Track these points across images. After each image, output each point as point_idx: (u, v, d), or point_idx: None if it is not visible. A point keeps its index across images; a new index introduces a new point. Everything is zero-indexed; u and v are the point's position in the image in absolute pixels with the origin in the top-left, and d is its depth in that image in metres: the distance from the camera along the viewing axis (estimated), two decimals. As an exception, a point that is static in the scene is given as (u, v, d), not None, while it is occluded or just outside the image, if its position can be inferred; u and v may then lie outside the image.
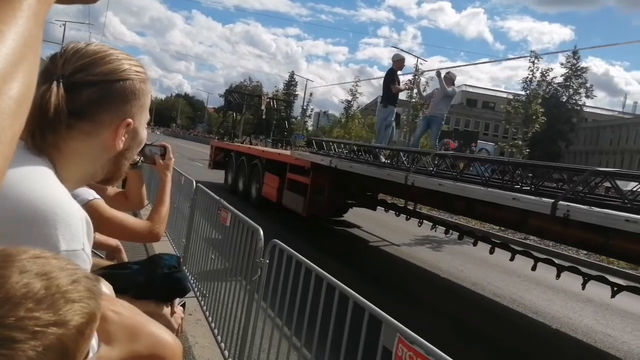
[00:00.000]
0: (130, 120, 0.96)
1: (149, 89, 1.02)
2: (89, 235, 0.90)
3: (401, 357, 1.75)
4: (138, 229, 1.81)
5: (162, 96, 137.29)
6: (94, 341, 0.63)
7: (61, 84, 0.87)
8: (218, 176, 15.96)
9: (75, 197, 1.71)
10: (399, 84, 10.22)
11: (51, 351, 0.51)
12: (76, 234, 0.83)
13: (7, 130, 0.47)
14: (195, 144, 54.22)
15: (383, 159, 8.12)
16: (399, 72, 10.42)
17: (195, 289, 4.78)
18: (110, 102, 0.93)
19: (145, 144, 2.22)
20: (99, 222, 1.77)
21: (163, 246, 6.61)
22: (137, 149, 1.06)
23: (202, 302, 4.45)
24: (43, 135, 0.88)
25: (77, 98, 0.89)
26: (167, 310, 1.53)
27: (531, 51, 30.16)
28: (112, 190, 2.09)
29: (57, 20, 46.56)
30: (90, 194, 1.76)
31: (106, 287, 1.16)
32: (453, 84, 10.30)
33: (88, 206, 1.72)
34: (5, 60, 0.49)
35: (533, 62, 29.89)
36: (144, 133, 1.06)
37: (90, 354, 0.62)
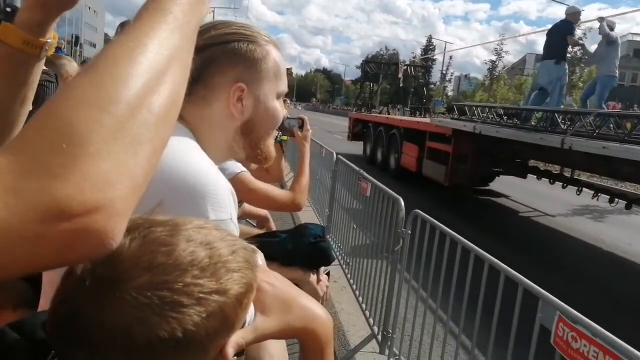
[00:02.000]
0: (242, 84, 0.95)
1: (266, 55, 0.98)
2: (235, 205, 0.93)
3: (562, 337, 1.59)
4: (281, 199, 1.90)
5: (302, 72, 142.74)
6: (250, 310, 0.64)
7: None
8: (357, 148, 16.15)
9: (224, 170, 1.83)
10: None
11: (213, 318, 0.53)
12: (223, 205, 0.86)
13: (145, 145, 0.46)
14: (334, 117, 55.47)
15: (533, 123, 7.42)
16: None
17: (339, 258, 4.93)
18: (217, 65, 0.94)
19: (285, 117, 2.29)
20: (246, 192, 1.88)
21: (308, 216, 6.92)
22: (265, 125, 1.02)
23: (346, 270, 4.56)
24: None
25: (192, 63, 0.94)
26: (313, 277, 1.57)
27: None
28: (254, 164, 2.20)
29: (207, 7, 50.97)
30: (238, 167, 1.87)
31: (260, 257, 1.21)
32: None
33: (236, 178, 1.83)
34: (147, 73, 0.48)
35: None
36: (273, 108, 1.02)
37: (247, 323, 0.63)
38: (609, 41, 8.81)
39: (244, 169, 1.90)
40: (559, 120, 6.58)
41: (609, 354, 1.42)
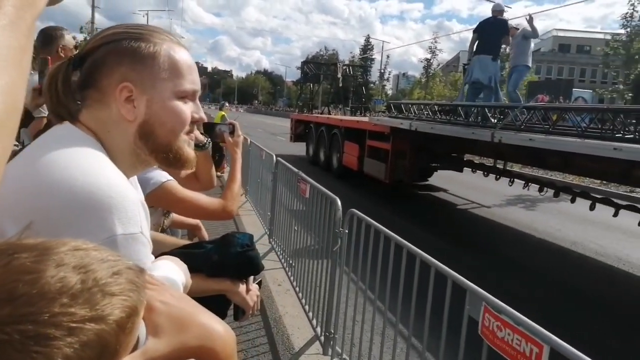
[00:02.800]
0: (128, 84, 0.90)
1: (165, 55, 0.94)
2: (146, 218, 0.89)
3: (488, 327, 1.65)
4: (211, 207, 1.84)
5: (243, 74, 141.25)
6: (142, 333, 0.60)
7: (72, 61, 0.92)
8: (300, 149, 16.17)
9: (148, 179, 1.77)
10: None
11: (89, 347, 0.49)
12: (132, 217, 0.81)
13: None
14: (277, 118, 55.33)
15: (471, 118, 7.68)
16: None
17: (283, 260, 4.91)
18: (103, 66, 0.91)
19: (214, 123, 2.24)
20: (174, 202, 1.82)
21: (250, 220, 6.85)
22: (168, 124, 0.97)
23: (290, 273, 4.55)
24: (66, 108, 0.92)
25: (83, 68, 0.92)
26: (242, 287, 1.54)
27: (631, -17, 26.90)
28: (183, 172, 2.13)
29: (140, 10, 49.38)
30: (164, 175, 1.80)
31: (180, 267, 1.17)
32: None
33: (162, 188, 1.77)
34: None
35: (634, -5, 26.84)
36: (172, 104, 0.96)
37: (139, 347, 0.60)
38: (525, 35, 9.28)
39: (170, 177, 1.83)
40: (489, 115, 6.84)
41: (531, 340, 1.49)
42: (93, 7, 29.72)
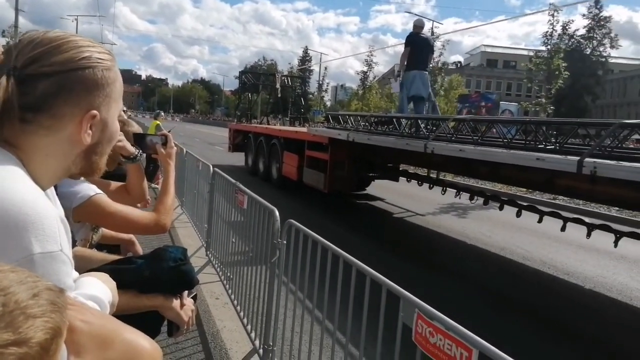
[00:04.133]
0: (95, 112, 0.89)
1: (115, 77, 0.94)
2: (67, 235, 0.85)
3: (421, 333, 1.69)
4: (143, 221, 1.77)
5: (179, 83, 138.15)
6: (63, 355, 0.58)
7: (12, 76, 0.82)
8: (239, 159, 16.00)
9: (75, 193, 1.69)
10: None
11: None
12: (51, 235, 0.78)
13: None
14: (215, 128, 54.51)
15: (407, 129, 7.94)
16: None
17: (220, 274, 4.81)
18: (69, 94, 0.86)
19: (145, 134, 2.18)
20: (103, 217, 1.75)
21: (186, 232, 6.68)
22: (109, 144, 0.99)
23: (228, 286, 4.47)
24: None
25: (32, 91, 0.83)
26: (176, 303, 1.50)
27: (550, 4, 28.86)
28: (114, 184, 2.06)
29: (69, 15, 47.32)
30: (92, 189, 1.72)
31: (108, 284, 1.13)
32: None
33: (90, 202, 1.69)
34: None
35: (553, 15, 28.84)
36: (115, 125, 0.99)
37: None
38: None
39: (98, 191, 1.75)
40: (422, 126, 7.09)
41: (461, 345, 1.54)
42: (17, 10, 28.12)
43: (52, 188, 0.94)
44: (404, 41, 9.71)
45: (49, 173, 0.90)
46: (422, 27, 9.76)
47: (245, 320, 3.74)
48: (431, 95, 9.65)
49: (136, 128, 2.27)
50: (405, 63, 9.47)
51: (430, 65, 10.88)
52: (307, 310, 2.81)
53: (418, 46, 9.48)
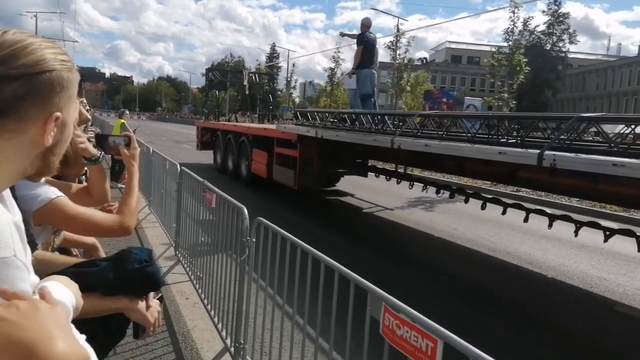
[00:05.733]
0: (59, 113, 0.88)
1: (75, 78, 0.94)
2: (21, 240, 0.84)
3: (388, 326, 1.73)
4: (107, 223, 1.74)
5: (144, 80, 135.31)
6: None
7: None
8: (208, 157, 15.82)
9: (36, 196, 1.66)
10: None
11: None
12: (3, 240, 0.77)
13: None
14: (182, 126, 53.71)
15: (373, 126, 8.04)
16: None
17: (190, 273, 4.77)
18: (37, 96, 0.85)
19: (109, 135, 2.14)
20: (64, 220, 1.71)
21: (154, 232, 6.59)
22: (66, 143, 0.98)
23: (197, 285, 4.43)
24: None
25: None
26: (141, 305, 1.49)
27: (511, 1, 29.51)
28: (75, 186, 2.01)
29: (28, 12, 45.92)
30: (52, 192, 1.69)
31: (70, 287, 1.11)
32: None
33: (51, 205, 1.66)
34: None
35: (513, 12, 29.55)
36: (72, 125, 0.99)
37: None
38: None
39: (59, 193, 1.71)
40: (389, 122, 7.16)
41: (426, 336, 1.58)
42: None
43: (8, 191, 0.92)
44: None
45: (7, 175, 0.88)
46: (370, 26, 10.15)
47: (216, 319, 3.73)
48: (374, 93, 10.08)
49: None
50: (359, 61, 9.80)
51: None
52: (278, 306, 2.82)
53: (370, 45, 9.92)
